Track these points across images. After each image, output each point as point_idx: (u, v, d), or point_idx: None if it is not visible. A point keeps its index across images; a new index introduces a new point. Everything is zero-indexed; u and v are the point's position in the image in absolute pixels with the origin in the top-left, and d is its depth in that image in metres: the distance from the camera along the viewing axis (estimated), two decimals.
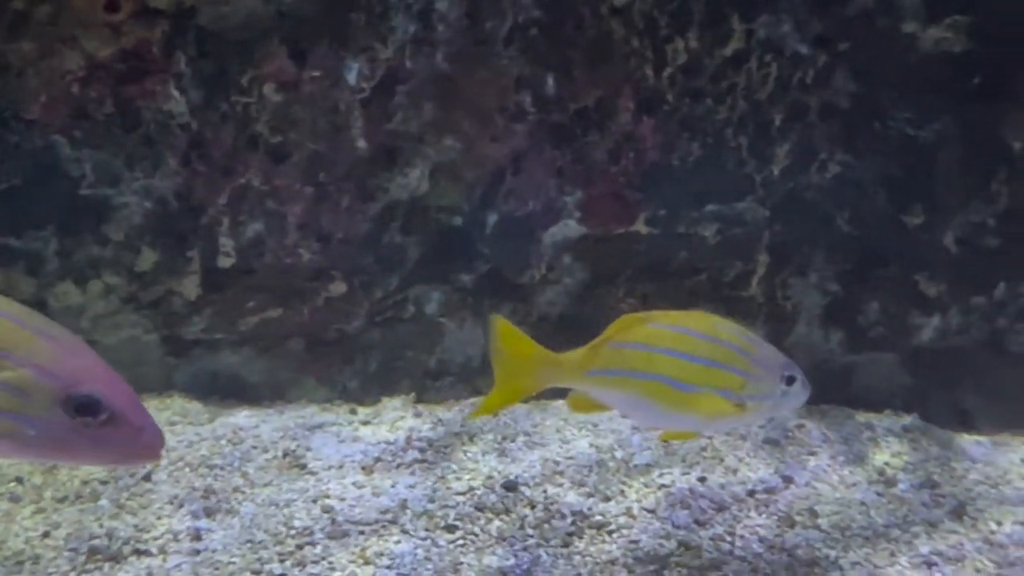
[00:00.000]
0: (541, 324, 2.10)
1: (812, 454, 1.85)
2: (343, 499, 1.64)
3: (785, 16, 1.89)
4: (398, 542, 1.53)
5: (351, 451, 1.83)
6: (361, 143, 1.97)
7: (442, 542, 1.53)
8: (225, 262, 1.95)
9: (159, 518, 1.59)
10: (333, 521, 1.57)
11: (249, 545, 1.51)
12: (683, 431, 1.44)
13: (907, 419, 1.97)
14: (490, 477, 1.74)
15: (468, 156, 2.02)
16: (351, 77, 1.93)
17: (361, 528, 1.55)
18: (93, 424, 0.89)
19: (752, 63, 1.91)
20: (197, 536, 1.54)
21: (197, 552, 1.50)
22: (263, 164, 1.92)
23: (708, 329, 1.35)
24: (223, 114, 1.88)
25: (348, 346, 2.08)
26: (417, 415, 1.99)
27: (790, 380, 1.37)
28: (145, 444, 0.93)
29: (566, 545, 1.53)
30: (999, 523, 1.62)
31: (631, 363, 1.32)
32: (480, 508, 1.63)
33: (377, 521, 1.58)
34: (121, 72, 1.85)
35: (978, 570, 1.48)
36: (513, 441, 1.88)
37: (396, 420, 1.96)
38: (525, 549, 1.52)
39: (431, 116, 2.00)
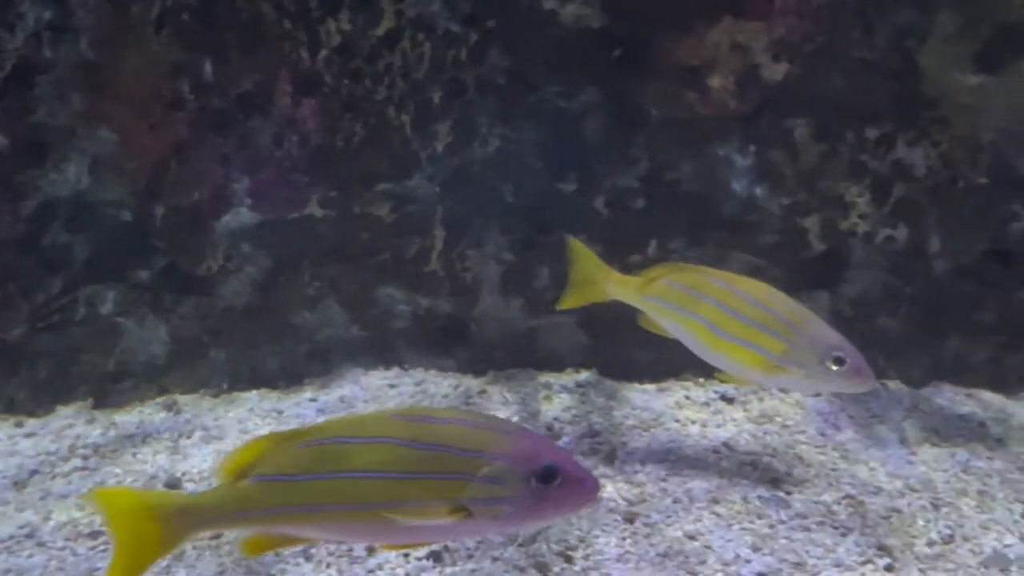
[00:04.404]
0: (227, 315, 2.06)
1: None
2: None
3: None
4: (31, 556, 1.45)
5: (5, 466, 1.72)
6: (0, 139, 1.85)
7: (81, 550, 1.47)
8: None
9: None
10: None
11: None
12: (731, 374, 1.61)
13: (584, 375, 2.09)
14: (154, 477, 1.69)
15: (127, 147, 1.95)
16: None
17: None
18: (553, 488, 1.07)
19: (405, 42, 1.95)
20: None
21: None
22: None
23: (757, 294, 1.54)
24: None
25: (11, 355, 1.96)
26: (90, 421, 1.90)
27: (838, 360, 1.48)
28: (589, 491, 1.10)
29: (216, 537, 1.51)
30: (643, 463, 1.75)
31: (681, 301, 1.57)
32: None
33: (12, 537, 1.50)
34: None
35: (611, 509, 1.59)
36: (189, 438, 1.84)
37: (64, 429, 1.87)
38: None
39: (81, 107, 1.91)
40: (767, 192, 1.99)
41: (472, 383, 2.05)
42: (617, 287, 1.66)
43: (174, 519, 1.06)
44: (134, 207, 1.98)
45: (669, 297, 1.59)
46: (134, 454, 1.78)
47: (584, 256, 1.69)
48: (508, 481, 1.06)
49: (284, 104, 1.94)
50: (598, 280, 1.67)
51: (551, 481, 1.07)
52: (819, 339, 1.50)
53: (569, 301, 1.71)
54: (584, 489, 1.09)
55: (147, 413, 1.94)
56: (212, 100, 1.94)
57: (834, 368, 1.49)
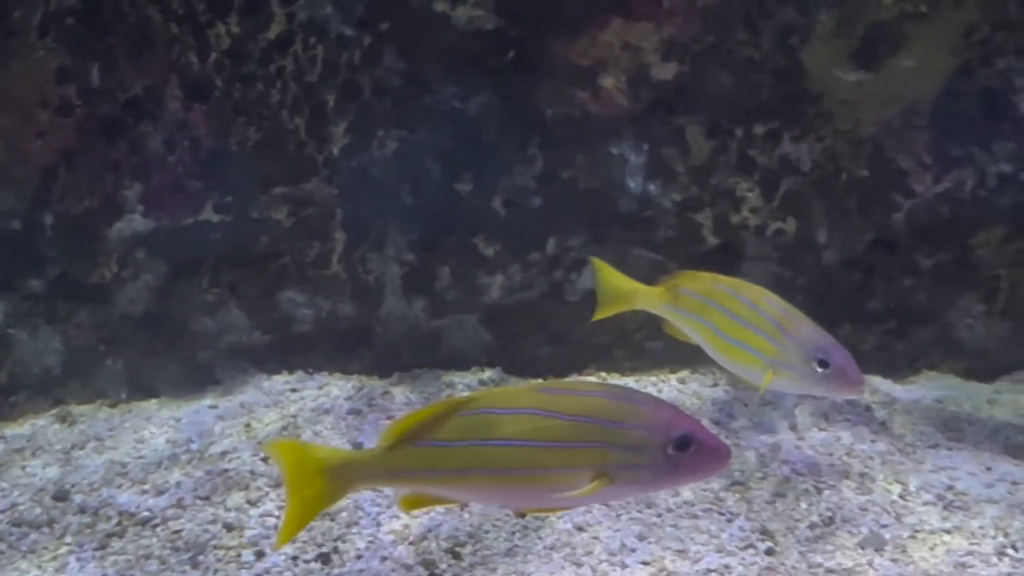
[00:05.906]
0: (124, 323, 2.03)
1: (391, 418, 1.93)
2: None
3: None
4: None
5: None
6: None
7: None
8: None
9: None
10: None
11: None
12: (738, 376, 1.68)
13: (488, 373, 2.11)
14: (42, 490, 1.66)
15: (13, 155, 1.91)
16: None
17: None
18: (688, 455, 1.13)
19: (297, 46, 1.94)
20: None
21: None
22: None
23: (755, 298, 1.59)
24: None
25: None
26: None
27: (822, 363, 1.49)
28: (721, 458, 1.16)
29: (102, 547, 1.50)
30: None
31: (694, 308, 1.64)
32: (17, 524, 1.55)
33: None
34: None
35: (503, 505, 1.61)
36: (82, 449, 1.81)
37: None
38: (55, 558, 1.47)
39: None
40: (661, 188, 2.04)
41: (376, 384, 2.06)
42: (642, 298, 1.73)
43: (340, 472, 1.14)
44: (23, 215, 1.95)
45: (684, 304, 1.66)
46: (23, 467, 1.75)
47: (610, 274, 1.76)
48: (646, 449, 1.13)
49: (174, 109, 1.93)
50: (625, 294, 1.74)
51: (686, 449, 1.13)
52: (806, 341, 1.53)
53: (602, 314, 1.78)
54: (716, 456, 1.16)
55: (40, 425, 1.91)
56: (100, 106, 1.92)
57: (819, 370, 1.50)
